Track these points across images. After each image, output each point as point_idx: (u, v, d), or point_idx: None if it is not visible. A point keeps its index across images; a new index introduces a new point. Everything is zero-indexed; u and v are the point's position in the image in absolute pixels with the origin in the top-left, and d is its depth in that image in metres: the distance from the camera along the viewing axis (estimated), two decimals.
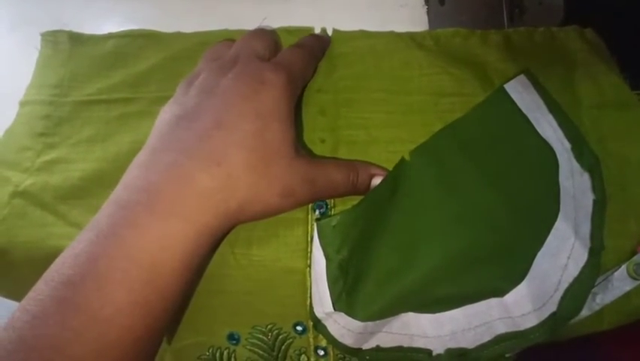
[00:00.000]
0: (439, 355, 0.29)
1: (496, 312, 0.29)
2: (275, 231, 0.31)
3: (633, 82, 0.35)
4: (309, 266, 0.31)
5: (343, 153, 0.33)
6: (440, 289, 0.29)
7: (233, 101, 0.27)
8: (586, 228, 0.30)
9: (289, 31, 0.37)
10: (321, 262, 0.30)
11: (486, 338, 0.29)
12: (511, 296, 0.29)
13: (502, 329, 0.29)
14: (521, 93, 0.33)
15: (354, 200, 0.31)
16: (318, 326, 0.30)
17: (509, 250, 0.30)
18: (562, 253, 0.29)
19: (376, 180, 0.31)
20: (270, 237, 0.31)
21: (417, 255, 0.30)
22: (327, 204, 0.32)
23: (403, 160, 0.32)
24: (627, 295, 0.30)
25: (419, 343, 0.30)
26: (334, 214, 0.32)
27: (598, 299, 0.30)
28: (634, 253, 0.30)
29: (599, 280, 0.30)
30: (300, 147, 0.30)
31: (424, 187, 0.32)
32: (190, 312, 0.31)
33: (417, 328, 0.30)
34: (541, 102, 0.33)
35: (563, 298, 0.28)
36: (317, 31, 0.37)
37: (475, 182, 0.31)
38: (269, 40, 0.32)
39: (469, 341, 0.29)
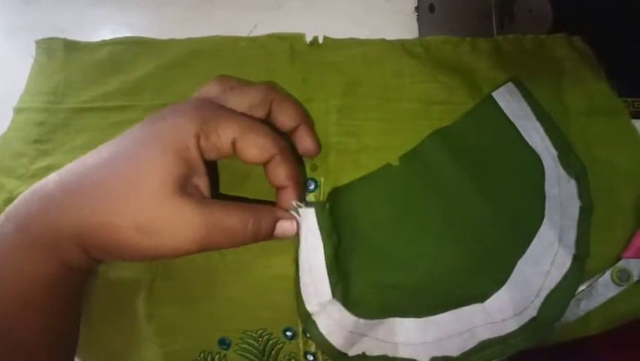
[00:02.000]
0: None
1: (479, 318, 0.30)
2: None
3: (621, 89, 0.36)
4: (297, 258, 0.30)
5: (333, 161, 0.34)
6: (427, 293, 0.30)
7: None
8: (571, 234, 0.30)
9: (280, 37, 0.37)
10: (318, 248, 0.29)
11: (470, 345, 0.29)
12: (492, 301, 0.30)
13: (485, 334, 0.29)
14: (509, 101, 0.33)
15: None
16: (308, 322, 0.29)
17: (493, 256, 0.30)
18: (545, 260, 0.30)
19: (283, 224, 0.28)
20: (260, 243, 0.31)
21: (407, 258, 0.31)
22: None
23: (391, 165, 0.33)
24: (612, 301, 0.30)
25: (404, 352, 0.30)
26: (324, 200, 0.32)
27: (582, 305, 0.30)
28: (619, 260, 0.31)
29: (584, 286, 0.31)
30: (194, 191, 0.26)
31: (412, 192, 0.32)
32: (181, 317, 0.32)
33: (402, 334, 0.30)
34: (528, 110, 0.33)
35: (543, 303, 0.29)
36: (309, 38, 0.37)
37: (463, 188, 0.32)
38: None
39: (453, 349, 0.30)
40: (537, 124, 0.33)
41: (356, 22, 0.40)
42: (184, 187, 0.25)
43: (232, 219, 0.26)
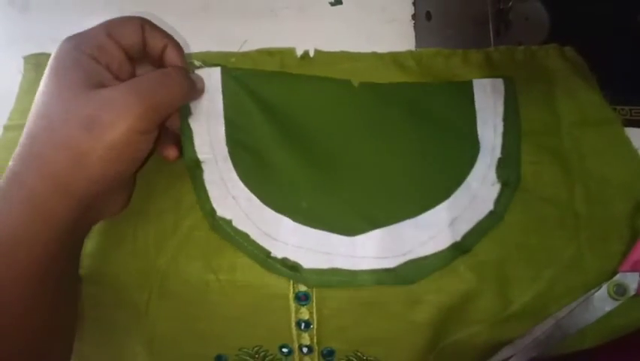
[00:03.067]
0: (274, 257, 0.31)
1: (344, 249, 0.31)
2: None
3: (617, 97, 0.35)
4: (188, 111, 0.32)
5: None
6: (308, 204, 0.32)
7: None
8: (463, 227, 0.31)
9: (270, 53, 0.36)
10: (218, 102, 0.32)
11: (323, 265, 0.31)
12: (361, 238, 0.31)
13: (340, 263, 0.31)
14: (486, 92, 0.34)
15: None
16: (195, 169, 0.32)
17: (385, 204, 0.32)
18: (426, 231, 0.31)
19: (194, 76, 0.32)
20: (253, 264, 0.31)
21: (305, 167, 0.33)
22: None
23: (351, 84, 0.34)
24: (608, 315, 0.30)
25: (264, 241, 0.31)
26: (239, 70, 0.34)
27: (579, 319, 0.30)
28: (615, 273, 0.30)
29: (581, 299, 0.30)
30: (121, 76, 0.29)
31: (351, 115, 0.34)
32: (177, 335, 0.32)
33: (272, 226, 0.31)
34: (500, 108, 0.34)
35: (406, 263, 0.30)
36: (304, 46, 0.37)
37: (395, 138, 0.34)
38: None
39: (309, 261, 0.31)
40: (501, 124, 0.33)
41: (352, 31, 0.39)
42: (102, 80, 0.27)
43: (158, 76, 0.28)
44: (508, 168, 0.32)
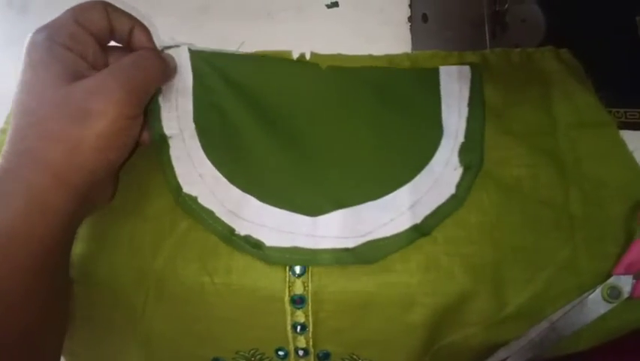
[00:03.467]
0: (238, 234, 0.31)
1: (305, 228, 0.32)
2: (253, 261, 0.31)
3: (613, 99, 0.35)
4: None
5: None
6: (273, 183, 0.33)
7: None
8: (423, 210, 0.32)
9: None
10: (187, 79, 0.33)
11: (284, 244, 0.31)
12: (324, 218, 0.32)
13: (302, 242, 0.31)
14: (452, 78, 0.35)
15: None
16: (162, 143, 0.33)
17: (347, 184, 0.33)
18: (387, 213, 0.32)
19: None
20: (249, 266, 0.31)
21: (271, 146, 0.33)
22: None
23: (319, 68, 0.35)
24: (603, 318, 0.30)
25: (228, 218, 0.32)
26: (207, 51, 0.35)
27: (574, 321, 0.30)
28: (609, 276, 0.30)
29: (575, 301, 0.31)
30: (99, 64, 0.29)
31: (328, 99, 0.35)
32: (174, 337, 0.32)
33: (235, 204, 0.32)
34: (466, 94, 0.34)
35: (365, 244, 0.31)
36: (301, 49, 0.37)
37: (361, 121, 0.34)
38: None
39: (269, 239, 0.31)
40: (466, 110, 0.34)
41: (348, 33, 0.39)
42: (80, 69, 0.27)
43: (135, 60, 0.29)
44: (470, 152, 0.33)
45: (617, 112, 0.36)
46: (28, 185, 0.25)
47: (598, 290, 0.30)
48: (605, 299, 0.30)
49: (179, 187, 0.32)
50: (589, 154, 0.33)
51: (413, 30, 0.39)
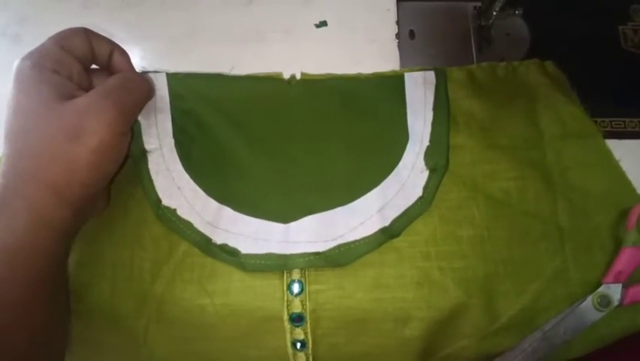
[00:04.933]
0: (215, 243, 0.32)
1: (278, 235, 0.33)
2: (252, 282, 0.32)
3: (596, 111, 0.36)
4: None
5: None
6: (247, 195, 0.34)
7: None
8: (392, 212, 0.33)
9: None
10: (164, 98, 0.35)
11: (260, 250, 0.32)
12: (296, 224, 0.33)
13: (276, 249, 0.32)
14: (417, 84, 0.36)
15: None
16: (141, 158, 0.34)
17: (317, 190, 0.34)
18: (357, 217, 0.33)
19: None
20: (248, 287, 0.32)
21: (247, 160, 0.35)
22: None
23: (287, 83, 0.37)
24: (594, 326, 0.31)
25: (206, 229, 0.33)
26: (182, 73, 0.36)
27: (566, 330, 0.31)
28: (599, 285, 0.31)
29: (567, 311, 0.31)
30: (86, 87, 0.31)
31: (297, 112, 0.36)
32: (176, 357, 0.33)
33: (219, 218, 0.33)
34: (431, 99, 0.35)
35: (337, 248, 0.32)
36: (291, 70, 0.38)
37: (331, 130, 0.36)
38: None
39: (245, 246, 0.32)
40: (431, 114, 0.35)
41: (337, 52, 0.40)
42: (69, 91, 0.28)
43: (121, 81, 0.30)
44: (436, 155, 0.34)
45: (603, 121, 0.37)
46: (31, 202, 0.26)
47: (588, 299, 0.31)
48: (595, 308, 0.31)
49: (158, 200, 0.33)
50: (575, 165, 0.34)
51: (401, 47, 0.40)
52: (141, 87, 0.32)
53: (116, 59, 0.32)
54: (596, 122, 0.36)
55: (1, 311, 0.26)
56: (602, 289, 0.31)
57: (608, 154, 0.34)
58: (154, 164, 0.34)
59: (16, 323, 0.26)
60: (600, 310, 0.31)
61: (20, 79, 0.28)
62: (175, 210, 0.33)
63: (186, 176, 0.34)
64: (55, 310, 0.30)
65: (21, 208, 0.26)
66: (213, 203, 0.34)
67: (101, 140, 0.27)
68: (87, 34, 0.31)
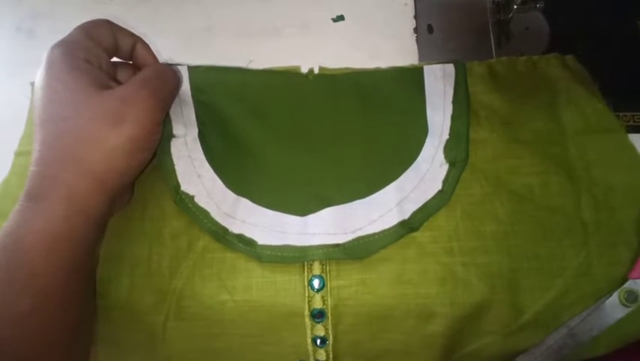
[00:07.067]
0: (231, 233, 0.32)
1: (297, 228, 0.33)
2: (272, 278, 0.32)
3: (621, 103, 0.36)
4: None
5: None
6: (266, 187, 0.34)
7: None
8: (412, 206, 0.32)
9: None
10: (187, 91, 0.35)
11: (278, 242, 0.32)
12: (314, 216, 0.33)
13: (294, 240, 0.32)
14: (436, 77, 0.36)
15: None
16: (165, 146, 0.33)
17: (336, 182, 0.34)
18: (376, 210, 0.33)
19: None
20: (268, 283, 0.32)
21: (266, 152, 0.35)
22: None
23: (305, 77, 0.37)
24: (620, 322, 0.30)
25: (222, 219, 0.33)
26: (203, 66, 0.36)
27: (592, 327, 0.30)
28: (625, 280, 0.31)
29: (592, 307, 0.31)
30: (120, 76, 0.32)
31: (315, 105, 0.36)
32: (195, 354, 0.33)
33: (231, 206, 0.33)
34: (450, 92, 0.35)
35: (355, 240, 0.32)
36: (308, 64, 0.37)
37: (350, 124, 0.35)
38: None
39: (262, 237, 0.32)
40: (450, 107, 0.35)
41: (354, 46, 0.40)
42: (102, 80, 0.29)
43: (156, 72, 0.31)
44: (455, 149, 0.34)
45: (625, 115, 0.36)
46: (72, 191, 0.26)
47: (615, 295, 0.30)
48: (622, 303, 0.30)
49: (177, 184, 0.33)
50: (598, 160, 0.33)
51: (419, 41, 0.40)
52: (174, 78, 0.32)
53: (139, 51, 0.32)
54: (618, 116, 0.36)
55: (44, 302, 0.26)
56: (628, 284, 0.30)
57: (631, 149, 0.34)
58: (177, 149, 0.34)
59: (58, 309, 0.26)
60: (627, 306, 0.30)
61: (53, 67, 0.28)
62: (193, 197, 0.33)
63: (207, 165, 0.34)
64: (88, 302, 0.30)
65: (62, 198, 0.26)
66: (231, 195, 0.34)
67: (140, 128, 0.28)
68: (111, 25, 0.31)
